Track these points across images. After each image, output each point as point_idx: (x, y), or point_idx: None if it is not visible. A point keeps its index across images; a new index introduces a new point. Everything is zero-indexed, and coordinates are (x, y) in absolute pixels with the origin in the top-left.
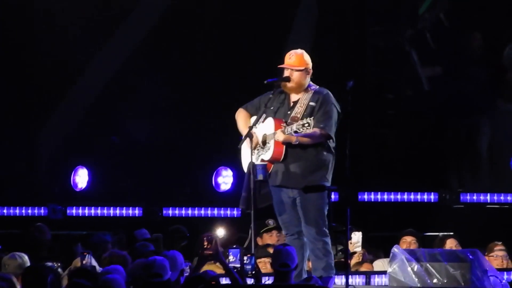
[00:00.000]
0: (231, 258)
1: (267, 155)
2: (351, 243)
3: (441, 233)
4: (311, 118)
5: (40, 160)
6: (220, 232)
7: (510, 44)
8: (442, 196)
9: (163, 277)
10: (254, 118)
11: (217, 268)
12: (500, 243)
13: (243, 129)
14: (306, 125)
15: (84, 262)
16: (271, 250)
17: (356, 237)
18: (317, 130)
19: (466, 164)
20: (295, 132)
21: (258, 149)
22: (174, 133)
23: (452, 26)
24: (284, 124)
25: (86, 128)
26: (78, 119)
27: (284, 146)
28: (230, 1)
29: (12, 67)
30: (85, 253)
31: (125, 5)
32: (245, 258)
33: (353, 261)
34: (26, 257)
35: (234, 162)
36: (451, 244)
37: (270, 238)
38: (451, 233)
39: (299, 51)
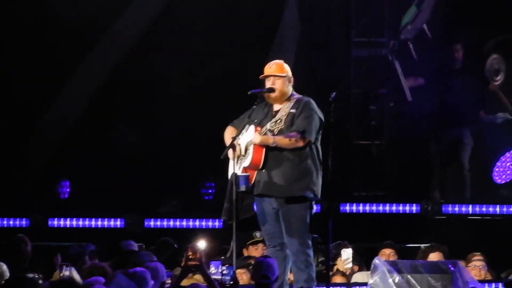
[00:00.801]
0: (212, 270)
1: (246, 161)
2: (341, 260)
3: (423, 245)
4: (283, 115)
5: (23, 171)
6: (202, 244)
7: (492, 55)
8: (424, 207)
9: None
10: None
11: (193, 280)
12: (478, 253)
13: (227, 141)
14: (278, 121)
15: (61, 274)
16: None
17: (346, 254)
18: (295, 132)
19: (448, 175)
20: (270, 131)
21: (241, 158)
22: (158, 144)
23: (434, 37)
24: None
25: (69, 139)
26: (61, 130)
27: (264, 151)
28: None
29: None
30: (63, 265)
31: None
32: (223, 268)
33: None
34: (4, 266)
35: (215, 174)
36: (435, 258)
37: (255, 251)
38: (433, 244)
39: (278, 60)
